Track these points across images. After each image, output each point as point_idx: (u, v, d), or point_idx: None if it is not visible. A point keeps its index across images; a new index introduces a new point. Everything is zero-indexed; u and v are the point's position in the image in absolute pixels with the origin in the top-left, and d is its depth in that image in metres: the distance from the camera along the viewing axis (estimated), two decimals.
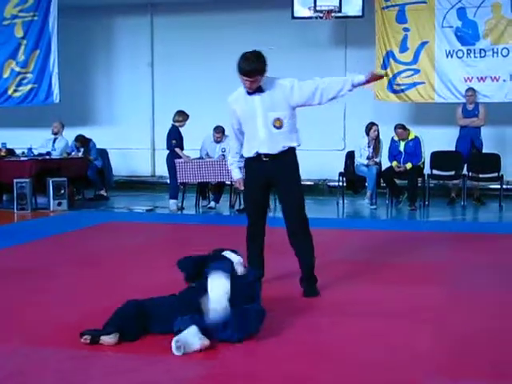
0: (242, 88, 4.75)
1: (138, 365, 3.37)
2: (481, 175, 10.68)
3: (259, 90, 4.69)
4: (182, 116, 10.11)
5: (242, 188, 5.09)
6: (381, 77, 4.76)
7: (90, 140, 11.59)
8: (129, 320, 3.75)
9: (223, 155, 10.10)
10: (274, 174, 4.82)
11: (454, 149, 10.78)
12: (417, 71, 11.20)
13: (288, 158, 4.85)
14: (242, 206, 10.31)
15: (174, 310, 3.79)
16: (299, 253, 4.92)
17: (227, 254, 4.30)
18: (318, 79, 4.84)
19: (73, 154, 11.49)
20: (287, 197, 4.92)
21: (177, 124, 10.10)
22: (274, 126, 4.74)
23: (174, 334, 3.56)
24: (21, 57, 12.70)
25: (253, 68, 4.57)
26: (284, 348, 3.64)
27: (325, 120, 12.20)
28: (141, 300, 3.93)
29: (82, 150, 11.46)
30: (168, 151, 10.10)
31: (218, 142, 10.38)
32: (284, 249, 5.07)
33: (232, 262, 4.25)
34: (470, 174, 10.62)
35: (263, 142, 4.76)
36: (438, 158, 10.79)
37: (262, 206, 5.01)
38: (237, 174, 5.12)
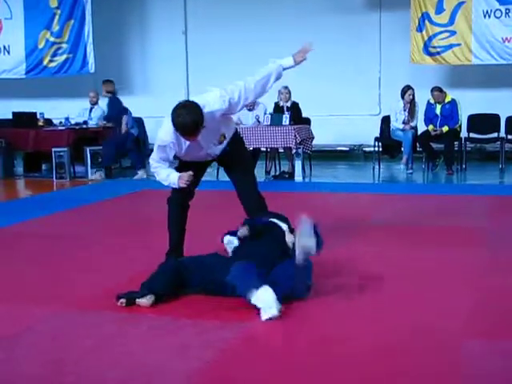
0: (172, 128, 4.21)
1: (173, 328, 3.40)
2: None
3: None
4: None
5: (191, 175, 4.47)
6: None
7: (126, 109, 11.62)
8: (165, 283, 3.80)
9: (258, 121, 10.07)
10: (222, 157, 4.68)
11: (491, 112, 10.58)
12: (453, 33, 10.95)
13: (233, 141, 4.65)
14: (277, 173, 10.31)
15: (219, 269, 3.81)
16: None
17: (276, 221, 4.31)
18: (240, 84, 4.37)
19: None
20: (239, 175, 4.72)
21: None
22: (219, 143, 4.53)
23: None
24: (55, 27, 12.72)
25: (192, 126, 4.07)
26: (321, 311, 3.63)
27: (359, 85, 12.06)
28: (183, 259, 3.99)
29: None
30: None
31: (250, 110, 10.34)
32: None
33: (284, 232, 4.27)
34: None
35: (210, 154, 4.60)
36: (475, 121, 10.61)
37: (195, 180, 4.64)
38: (176, 174, 4.52)
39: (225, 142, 4.59)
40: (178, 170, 4.62)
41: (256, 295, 3.45)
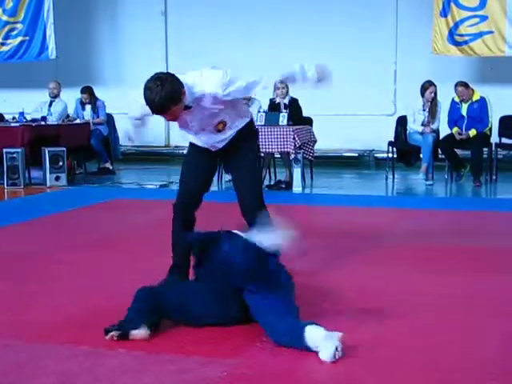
0: None
1: (147, 364, 3.41)
2: None
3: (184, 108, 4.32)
4: None
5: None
6: None
7: (97, 98, 11.69)
8: (149, 311, 3.81)
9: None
10: (226, 152, 4.70)
11: None
12: (484, 18, 11.04)
13: (242, 134, 4.67)
14: (273, 182, 10.34)
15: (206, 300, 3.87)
16: None
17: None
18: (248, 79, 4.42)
19: (74, 116, 11.55)
20: (241, 176, 4.72)
21: None
22: (218, 131, 4.54)
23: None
24: (8, 3, 12.72)
25: (161, 102, 4.09)
26: None
27: (371, 79, 12.14)
28: (153, 289, 3.98)
29: (88, 106, 11.54)
30: None
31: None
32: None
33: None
34: None
35: (208, 144, 4.64)
36: (509, 124, 10.67)
37: (203, 181, 4.75)
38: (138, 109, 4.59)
39: (228, 133, 4.58)
40: (188, 156, 4.80)
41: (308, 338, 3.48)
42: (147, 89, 4.10)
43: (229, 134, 4.60)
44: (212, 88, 4.28)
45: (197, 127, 4.50)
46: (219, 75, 4.31)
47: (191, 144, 4.79)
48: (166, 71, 4.25)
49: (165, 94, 4.05)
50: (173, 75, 4.18)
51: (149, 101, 4.11)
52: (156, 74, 4.16)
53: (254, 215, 4.57)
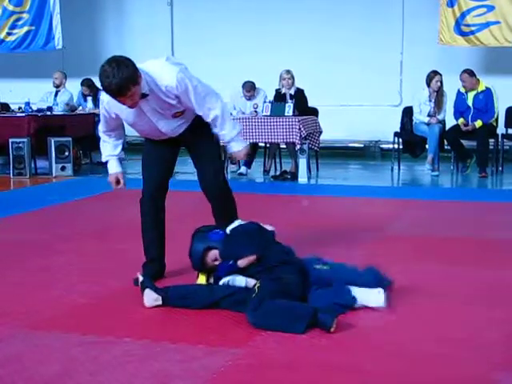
0: None
1: (152, 353, 3.42)
2: None
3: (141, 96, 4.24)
4: None
5: (121, 185, 4.79)
6: None
7: (99, 89, 11.69)
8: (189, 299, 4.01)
9: (256, 111, 10.12)
10: (185, 138, 4.68)
11: None
12: (491, 8, 11.00)
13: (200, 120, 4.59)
14: (278, 172, 10.33)
15: None
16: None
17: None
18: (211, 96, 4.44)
19: (79, 108, 11.56)
20: (202, 159, 4.76)
21: None
22: (174, 117, 4.45)
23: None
24: None
25: (119, 83, 3.99)
26: (325, 337, 3.66)
27: (377, 69, 12.11)
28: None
29: (89, 98, 11.55)
30: None
31: (249, 99, 10.44)
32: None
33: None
34: None
35: (168, 132, 4.55)
36: None
37: (165, 169, 4.82)
38: (115, 168, 4.78)
39: (184, 120, 4.52)
40: (146, 148, 4.83)
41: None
42: (103, 72, 4.02)
43: (185, 120, 4.53)
44: (168, 82, 4.25)
45: (153, 116, 4.40)
46: (176, 72, 4.27)
47: (147, 138, 4.77)
48: (120, 55, 4.20)
49: (122, 75, 3.99)
50: (127, 58, 4.13)
51: (107, 83, 4.02)
52: (111, 57, 4.12)
53: (217, 198, 4.75)
